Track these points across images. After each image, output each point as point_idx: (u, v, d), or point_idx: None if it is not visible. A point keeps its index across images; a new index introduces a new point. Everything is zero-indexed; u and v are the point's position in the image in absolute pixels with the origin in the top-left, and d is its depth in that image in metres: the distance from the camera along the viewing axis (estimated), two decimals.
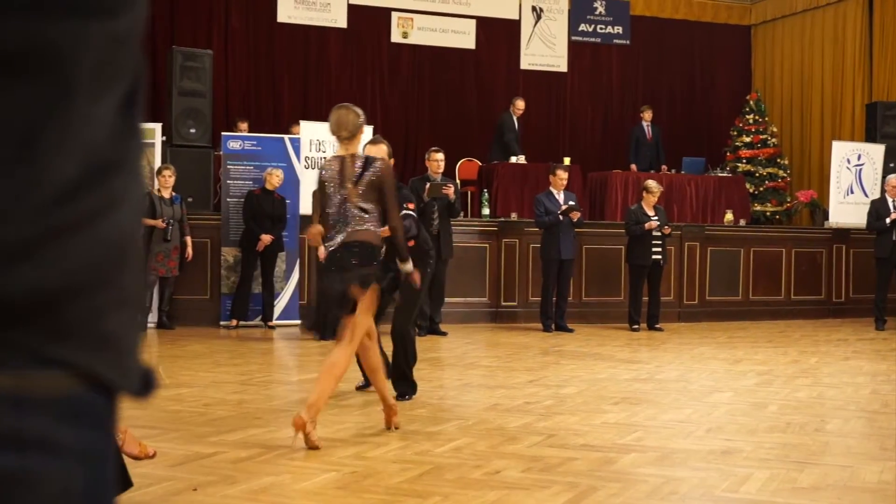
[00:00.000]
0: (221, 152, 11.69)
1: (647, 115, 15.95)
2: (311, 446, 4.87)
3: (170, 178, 10.68)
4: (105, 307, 0.71)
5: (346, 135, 5.20)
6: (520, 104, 14.66)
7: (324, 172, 5.31)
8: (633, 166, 15.50)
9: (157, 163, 11.22)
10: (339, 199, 5.17)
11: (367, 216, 5.17)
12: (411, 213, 6.29)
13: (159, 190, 10.75)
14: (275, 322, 11.14)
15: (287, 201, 11.18)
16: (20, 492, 0.67)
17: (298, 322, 11.35)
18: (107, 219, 0.70)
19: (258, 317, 11.19)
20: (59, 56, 0.67)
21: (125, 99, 0.73)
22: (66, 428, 0.69)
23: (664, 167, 15.53)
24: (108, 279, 0.71)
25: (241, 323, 11.03)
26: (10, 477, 0.66)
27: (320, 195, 5.32)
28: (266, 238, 10.81)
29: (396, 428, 5.42)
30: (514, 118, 14.62)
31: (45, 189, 0.67)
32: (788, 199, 16.50)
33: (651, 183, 11.92)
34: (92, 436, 0.71)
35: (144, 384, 0.77)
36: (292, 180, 11.50)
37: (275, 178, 11.04)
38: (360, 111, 5.29)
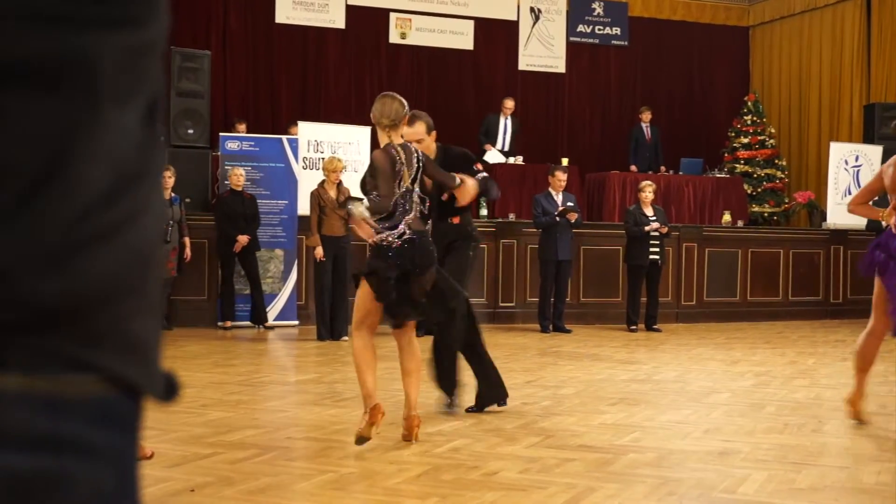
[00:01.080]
0: (219, 153, 11.69)
1: (646, 116, 15.96)
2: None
3: (169, 178, 10.67)
4: (132, 313, 0.73)
5: (387, 122, 5.15)
6: (508, 103, 14.67)
7: (387, 160, 5.11)
8: (633, 167, 15.51)
9: None
10: (403, 188, 5.14)
11: (423, 206, 5.20)
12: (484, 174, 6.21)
13: None
14: (272, 322, 11.14)
15: (257, 200, 11.18)
16: (56, 493, 0.68)
17: (296, 323, 11.34)
18: (133, 228, 0.72)
19: (249, 318, 11.18)
20: (88, 67, 0.68)
21: (147, 109, 0.74)
22: (98, 430, 0.70)
23: (662, 168, 15.55)
24: (135, 286, 0.73)
25: (234, 324, 11.03)
26: (46, 478, 0.68)
27: (382, 182, 5.08)
28: (243, 239, 10.78)
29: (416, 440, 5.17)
30: (502, 118, 14.60)
31: (76, 199, 0.68)
32: (786, 200, 16.51)
33: (643, 182, 12.00)
34: (122, 438, 0.73)
35: (168, 389, 0.79)
36: (290, 181, 11.49)
37: (237, 177, 11.00)
38: (404, 101, 5.25)
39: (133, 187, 0.72)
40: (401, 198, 5.10)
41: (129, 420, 0.74)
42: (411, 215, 5.12)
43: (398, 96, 5.24)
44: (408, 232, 5.09)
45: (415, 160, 5.19)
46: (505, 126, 14.66)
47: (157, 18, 0.73)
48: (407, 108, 5.25)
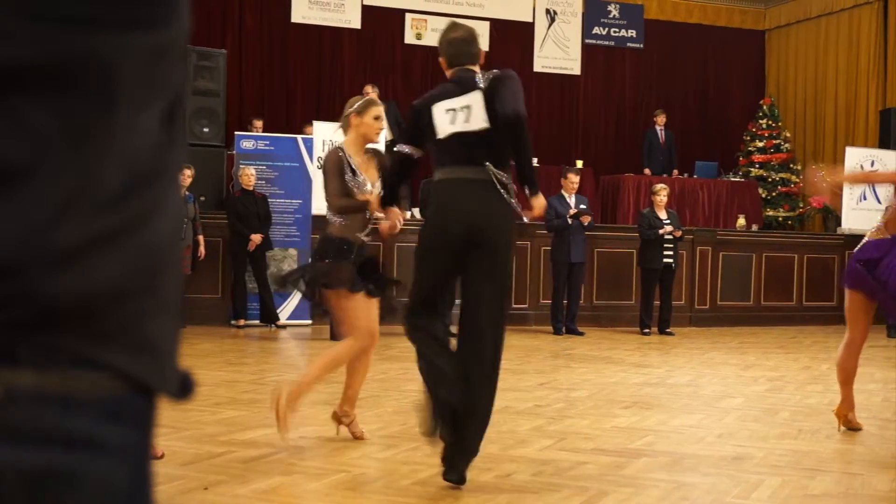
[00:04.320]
0: (234, 152, 11.72)
1: (661, 120, 15.93)
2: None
3: (187, 177, 10.72)
4: (146, 312, 0.73)
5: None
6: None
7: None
8: (647, 170, 15.48)
9: None
10: None
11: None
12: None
13: None
14: (285, 321, 11.16)
15: (272, 199, 11.21)
16: (68, 489, 0.69)
17: (309, 322, 11.35)
18: (149, 226, 0.72)
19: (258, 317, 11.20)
20: (107, 68, 0.69)
21: (168, 110, 0.75)
22: (110, 427, 0.71)
23: (676, 171, 15.52)
24: (149, 285, 0.73)
25: (246, 322, 11.05)
26: (58, 474, 0.69)
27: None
28: (256, 237, 10.81)
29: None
30: None
31: (91, 196, 0.69)
32: (801, 205, 16.45)
33: (657, 185, 11.96)
34: (134, 435, 0.74)
35: (183, 387, 0.79)
36: (304, 180, 11.51)
37: (248, 177, 11.03)
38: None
39: (148, 187, 0.72)
40: None
41: (142, 417, 0.74)
42: None
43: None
44: None
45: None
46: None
47: (177, 19, 0.75)
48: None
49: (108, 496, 0.71)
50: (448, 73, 4.55)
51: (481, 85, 4.31)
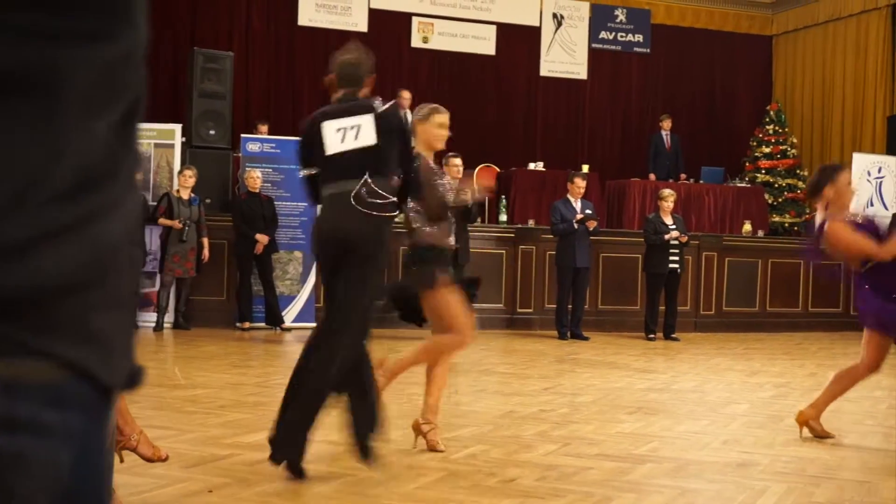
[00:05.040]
0: (240, 154, 11.73)
1: (667, 124, 15.92)
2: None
3: (190, 178, 10.72)
4: (93, 306, 0.77)
5: None
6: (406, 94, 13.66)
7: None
8: (652, 175, 15.47)
9: (177, 164, 11.26)
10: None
11: None
12: None
13: (178, 190, 10.78)
14: (289, 324, 11.16)
15: (277, 202, 11.23)
16: (12, 471, 0.72)
17: (314, 325, 11.33)
18: (98, 224, 0.76)
19: (263, 320, 11.20)
20: (61, 77, 0.73)
21: (123, 116, 0.79)
22: (55, 412, 0.75)
23: (683, 176, 15.50)
24: (97, 280, 0.77)
25: (251, 325, 11.06)
26: (3, 456, 0.72)
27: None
28: (263, 238, 10.83)
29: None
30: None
31: (41, 194, 0.73)
32: (807, 211, 16.41)
33: (665, 191, 11.92)
34: (79, 421, 0.77)
35: (130, 380, 0.83)
36: None
37: (254, 179, 11.05)
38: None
39: (99, 188, 0.76)
40: None
41: (89, 405, 0.78)
42: None
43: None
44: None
45: None
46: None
47: (129, 32, 0.77)
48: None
49: (53, 478, 0.74)
50: (336, 94, 4.81)
51: (378, 109, 4.64)
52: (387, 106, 4.70)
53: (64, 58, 0.73)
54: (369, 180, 4.54)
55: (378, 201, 4.56)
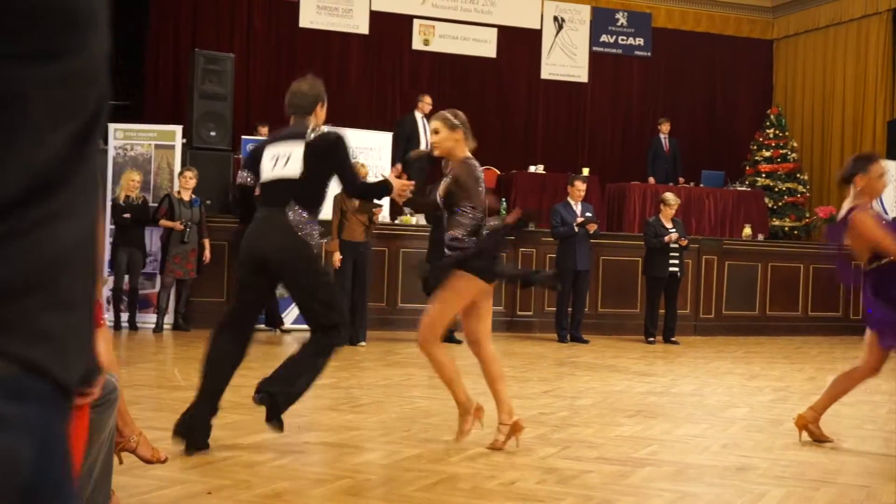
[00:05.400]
0: (241, 156, 11.72)
1: (665, 128, 15.95)
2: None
3: (191, 179, 10.72)
4: (43, 307, 0.81)
5: (468, 133, 5.37)
6: (427, 100, 13.57)
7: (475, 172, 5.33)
8: (651, 179, 15.48)
9: (177, 165, 11.26)
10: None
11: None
12: None
13: (179, 192, 10.78)
14: (289, 326, 11.15)
15: None
16: None
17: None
18: (48, 229, 0.80)
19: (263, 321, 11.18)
20: (16, 93, 0.77)
21: (82, 128, 0.83)
22: (10, 405, 0.78)
23: (681, 179, 15.51)
24: (47, 283, 0.81)
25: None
26: None
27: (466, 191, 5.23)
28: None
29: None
30: (419, 115, 13.42)
31: None
32: (807, 215, 16.42)
33: (669, 196, 11.89)
34: (36, 413, 0.80)
35: (86, 377, 0.88)
36: None
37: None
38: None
39: (51, 196, 0.80)
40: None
41: (45, 398, 0.81)
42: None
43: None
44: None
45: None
46: (424, 126, 12.99)
47: (89, 47, 0.82)
48: None
49: (13, 471, 0.78)
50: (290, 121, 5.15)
51: (308, 138, 4.93)
52: (319, 132, 4.97)
53: (16, 75, 0.77)
54: (296, 208, 4.89)
55: (303, 229, 4.90)
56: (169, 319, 10.87)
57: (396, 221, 12.34)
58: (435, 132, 5.34)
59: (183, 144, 11.56)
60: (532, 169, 15.16)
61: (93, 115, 0.84)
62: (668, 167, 15.75)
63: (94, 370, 0.90)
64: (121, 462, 3.85)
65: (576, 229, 11.22)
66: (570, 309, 11.52)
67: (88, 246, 0.86)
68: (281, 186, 4.92)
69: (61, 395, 0.83)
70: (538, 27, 17.29)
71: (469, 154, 5.32)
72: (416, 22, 16.57)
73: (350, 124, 13.60)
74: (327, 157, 4.94)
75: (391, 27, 16.38)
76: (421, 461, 4.86)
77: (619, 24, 17.78)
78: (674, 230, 11.57)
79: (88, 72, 0.82)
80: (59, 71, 0.79)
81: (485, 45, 16.90)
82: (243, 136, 12.16)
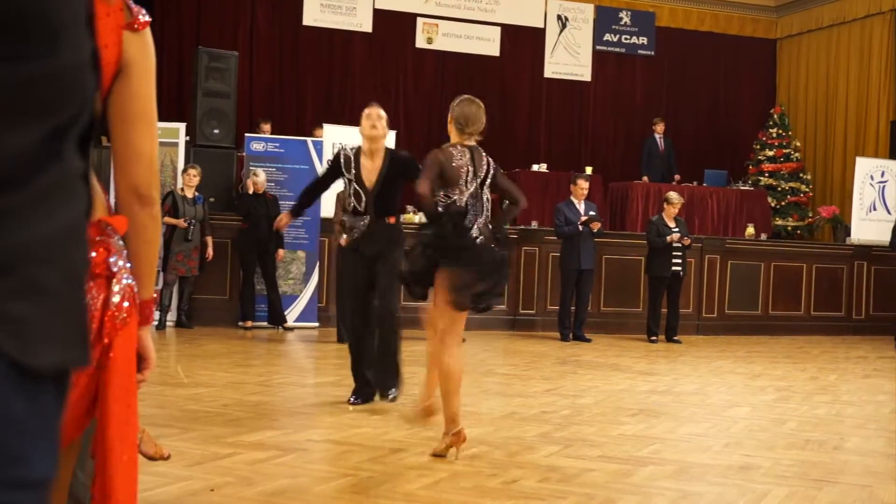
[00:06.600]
0: (244, 153, 11.73)
1: (660, 128, 15.99)
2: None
3: (195, 177, 10.72)
4: (8, 294, 0.85)
5: (471, 130, 5.16)
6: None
7: (454, 160, 5.06)
8: (645, 178, 15.51)
9: (181, 162, 11.27)
10: (473, 188, 5.10)
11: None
12: None
13: (182, 189, 10.79)
14: (292, 324, 11.16)
15: (281, 201, 11.24)
16: None
17: (316, 324, 11.37)
18: (11, 222, 0.84)
19: (266, 318, 11.21)
20: None
21: (55, 129, 0.86)
22: None
23: (677, 177, 15.51)
24: (13, 272, 0.85)
25: (254, 324, 11.06)
26: None
27: (439, 179, 5.01)
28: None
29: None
30: None
31: None
32: (810, 215, 16.42)
33: (672, 195, 11.88)
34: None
35: (61, 368, 0.92)
36: None
37: (254, 184, 11.04)
38: (482, 106, 5.24)
39: (13, 192, 0.83)
40: (470, 198, 5.06)
41: (5, 375, 0.87)
42: (481, 219, 5.11)
43: (478, 101, 5.23)
44: (479, 237, 5.06)
45: (485, 164, 5.17)
46: None
47: (57, 52, 0.84)
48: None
49: None
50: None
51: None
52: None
53: None
54: None
55: None
56: (172, 317, 10.88)
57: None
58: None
59: (186, 142, 11.56)
60: (535, 167, 15.17)
61: (70, 119, 0.85)
62: (662, 167, 15.80)
63: (72, 360, 0.92)
64: None
65: (579, 228, 11.21)
66: (572, 308, 11.52)
67: (64, 241, 0.89)
68: None
69: (18, 374, 0.87)
70: (542, 26, 17.29)
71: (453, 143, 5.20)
72: (419, 20, 16.57)
73: (353, 122, 13.63)
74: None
75: (395, 25, 16.38)
76: (423, 459, 4.86)
77: (622, 22, 17.77)
78: (676, 229, 11.56)
79: (57, 76, 0.83)
80: (18, 74, 0.81)
81: (488, 44, 16.90)
82: (246, 134, 12.16)
